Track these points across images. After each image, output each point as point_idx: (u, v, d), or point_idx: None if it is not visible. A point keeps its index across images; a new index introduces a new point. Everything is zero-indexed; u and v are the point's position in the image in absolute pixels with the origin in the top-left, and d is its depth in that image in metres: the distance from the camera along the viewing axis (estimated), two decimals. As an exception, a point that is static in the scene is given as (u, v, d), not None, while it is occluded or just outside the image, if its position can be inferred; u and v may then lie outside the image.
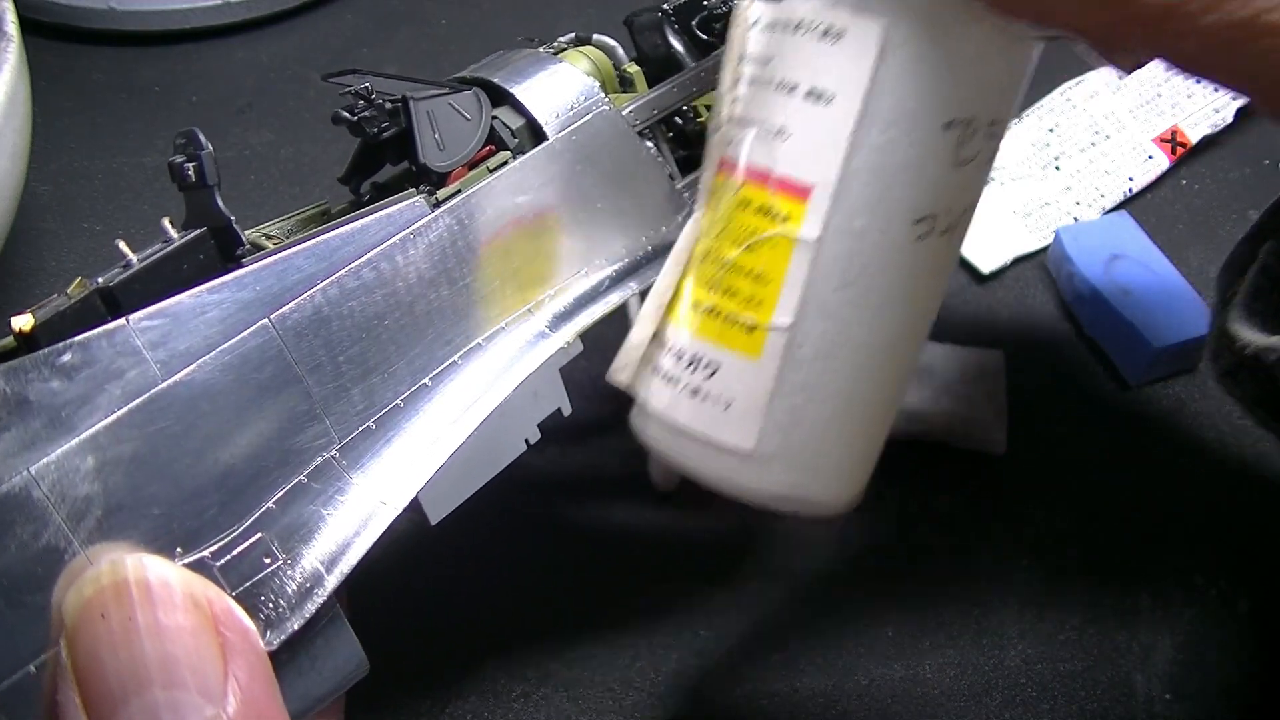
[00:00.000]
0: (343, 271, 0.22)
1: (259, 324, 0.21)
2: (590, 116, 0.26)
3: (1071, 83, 0.49)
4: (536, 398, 0.25)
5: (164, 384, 0.20)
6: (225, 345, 0.21)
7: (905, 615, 0.35)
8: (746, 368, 0.22)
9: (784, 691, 0.34)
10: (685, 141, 0.30)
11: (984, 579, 0.36)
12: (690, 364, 0.23)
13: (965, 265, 0.44)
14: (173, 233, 0.22)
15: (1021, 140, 0.48)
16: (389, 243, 0.23)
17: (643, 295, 0.26)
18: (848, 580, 0.36)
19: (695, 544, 0.37)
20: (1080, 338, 0.43)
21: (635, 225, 0.27)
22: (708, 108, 0.30)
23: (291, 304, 0.22)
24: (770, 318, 0.22)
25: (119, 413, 0.20)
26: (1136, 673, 0.34)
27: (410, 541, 0.36)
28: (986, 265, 0.44)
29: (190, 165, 0.23)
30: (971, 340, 0.42)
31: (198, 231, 0.23)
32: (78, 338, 0.20)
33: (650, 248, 0.27)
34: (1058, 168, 0.47)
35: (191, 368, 0.21)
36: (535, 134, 0.26)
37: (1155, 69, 0.49)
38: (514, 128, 0.26)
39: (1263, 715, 0.34)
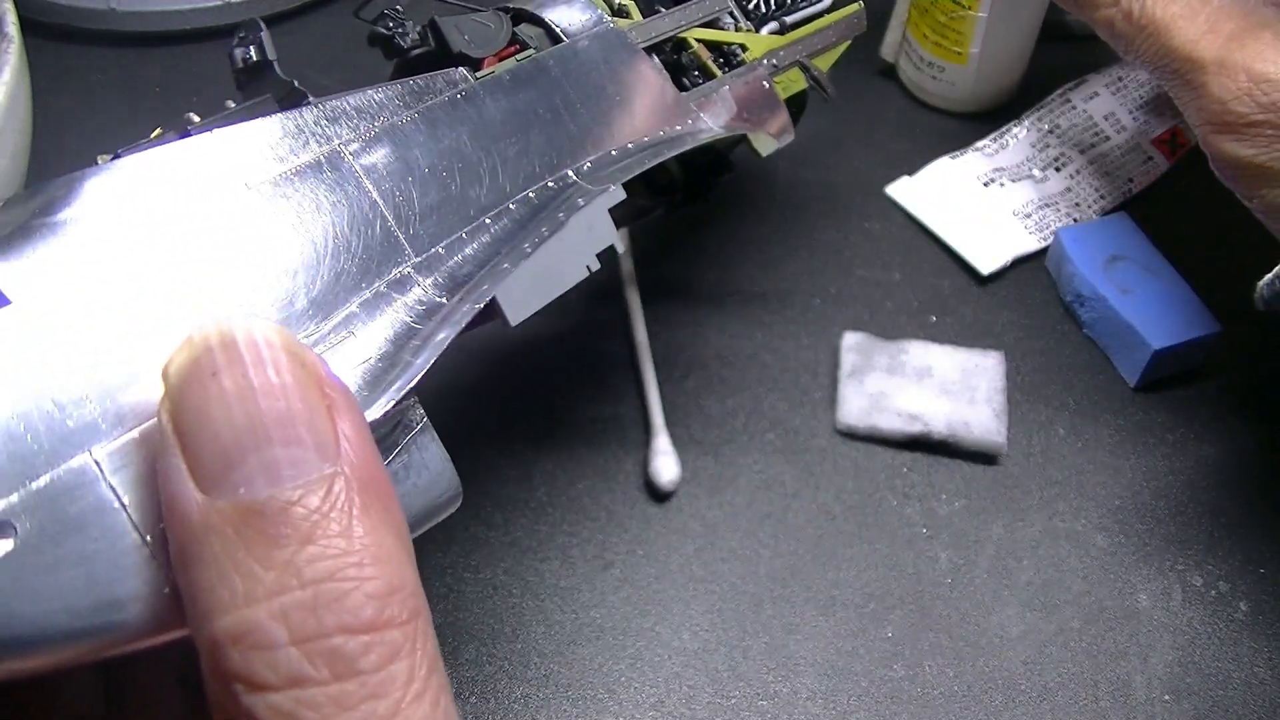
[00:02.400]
0: (407, 115, 0.25)
1: (334, 147, 0.23)
2: (599, 29, 0.30)
3: (1071, 84, 0.49)
4: (590, 231, 0.28)
5: (250, 187, 0.22)
6: (301, 162, 0.23)
7: (905, 615, 0.35)
8: (960, 68, 0.49)
9: (784, 692, 0.34)
10: (678, 69, 0.33)
11: (984, 579, 0.36)
12: (930, 64, 0.50)
13: (965, 266, 0.44)
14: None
15: (1021, 142, 0.48)
16: (442, 98, 0.26)
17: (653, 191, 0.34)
18: (847, 580, 0.36)
19: (693, 545, 0.37)
20: (1080, 338, 0.43)
21: (649, 120, 0.30)
22: (699, 40, 0.34)
23: (368, 134, 0.24)
24: (968, 49, 0.48)
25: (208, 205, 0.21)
26: (1136, 673, 0.34)
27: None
28: (986, 266, 0.44)
29: (251, 46, 0.25)
30: (971, 340, 0.42)
31: (262, 97, 0.24)
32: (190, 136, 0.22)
33: (670, 137, 0.30)
34: (1058, 169, 0.47)
35: (272, 178, 0.22)
36: (554, 41, 0.30)
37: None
38: (534, 35, 0.30)
39: (1262, 715, 0.34)
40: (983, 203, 0.46)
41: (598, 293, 0.43)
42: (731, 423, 0.40)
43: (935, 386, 0.39)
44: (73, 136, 0.49)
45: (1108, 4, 0.38)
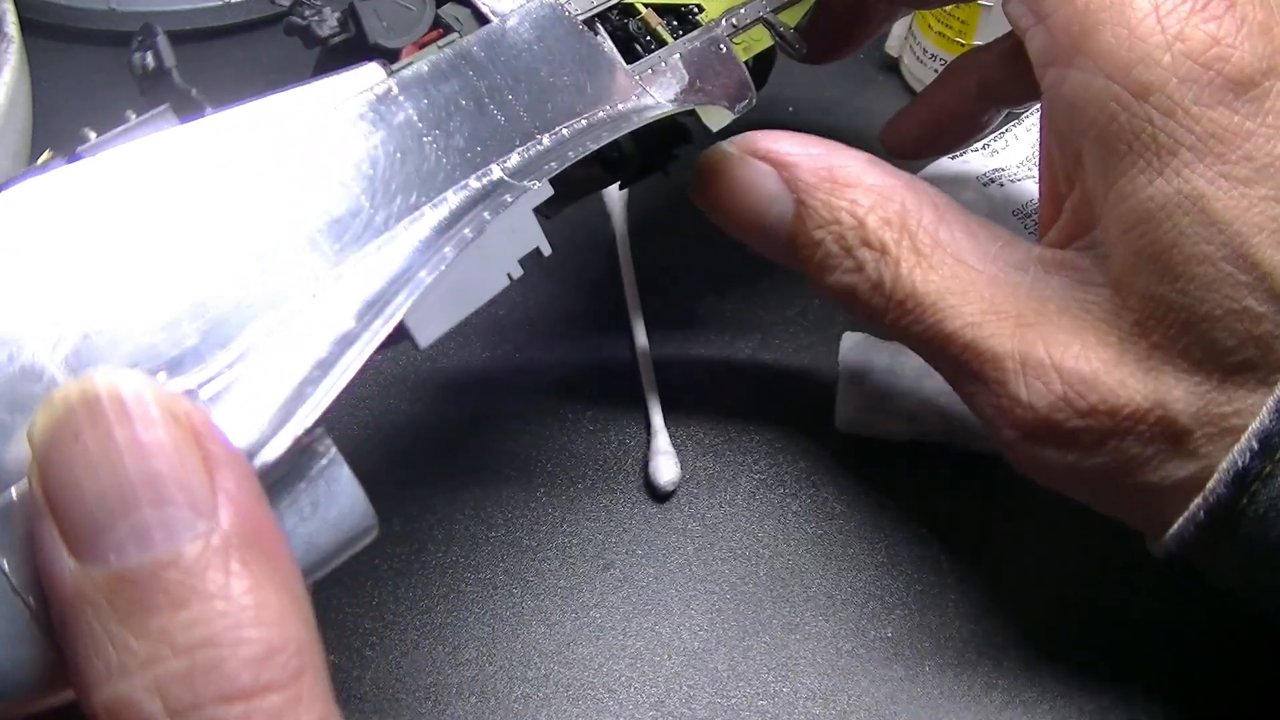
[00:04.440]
0: (313, 123, 0.23)
1: (231, 164, 0.22)
2: (530, 5, 0.28)
3: (1071, 83, 0.49)
4: (513, 233, 0.26)
5: (141, 213, 0.21)
6: (195, 182, 0.22)
7: (905, 615, 0.35)
8: None
9: (784, 692, 0.34)
10: (627, 37, 0.31)
11: (984, 580, 0.36)
12: (933, 56, 0.49)
13: (965, 266, 0.44)
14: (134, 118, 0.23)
15: (1021, 142, 0.48)
16: (352, 101, 0.24)
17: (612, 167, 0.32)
18: (847, 581, 0.36)
19: (693, 545, 0.37)
20: (1080, 338, 0.43)
21: (587, 101, 0.28)
22: (646, 5, 0.32)
23: (269, 147, 0.23)
24: (971, 41, 0.47)
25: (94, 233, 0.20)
26: (1136, 673, 0.34)
27: (408, 552, 0.36)
28: (986, 266, 0.44)
29: (149, 52, 0.23)
30: (971, 341, 0.42)
31: (159, 108, 0.23)
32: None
33: (611, 117, 0.29)
34: (1057, 168, 0.47)
35: (165, 200, 0.21)
36: (482, 22, 0.28)
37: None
38: (461, 18, 0.28)
39: (1263, 716, 0.34)
40: (983, 203, 0.46)
41: (597, 293, 0.43)
42: (731, 423, 0.40)
43: (935, 387, 0.39)
44: (72, 137, 0.49)
45: (847, 268, 0.30)
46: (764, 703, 0.34)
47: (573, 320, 0.42)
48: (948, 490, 0.38)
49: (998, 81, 0.38)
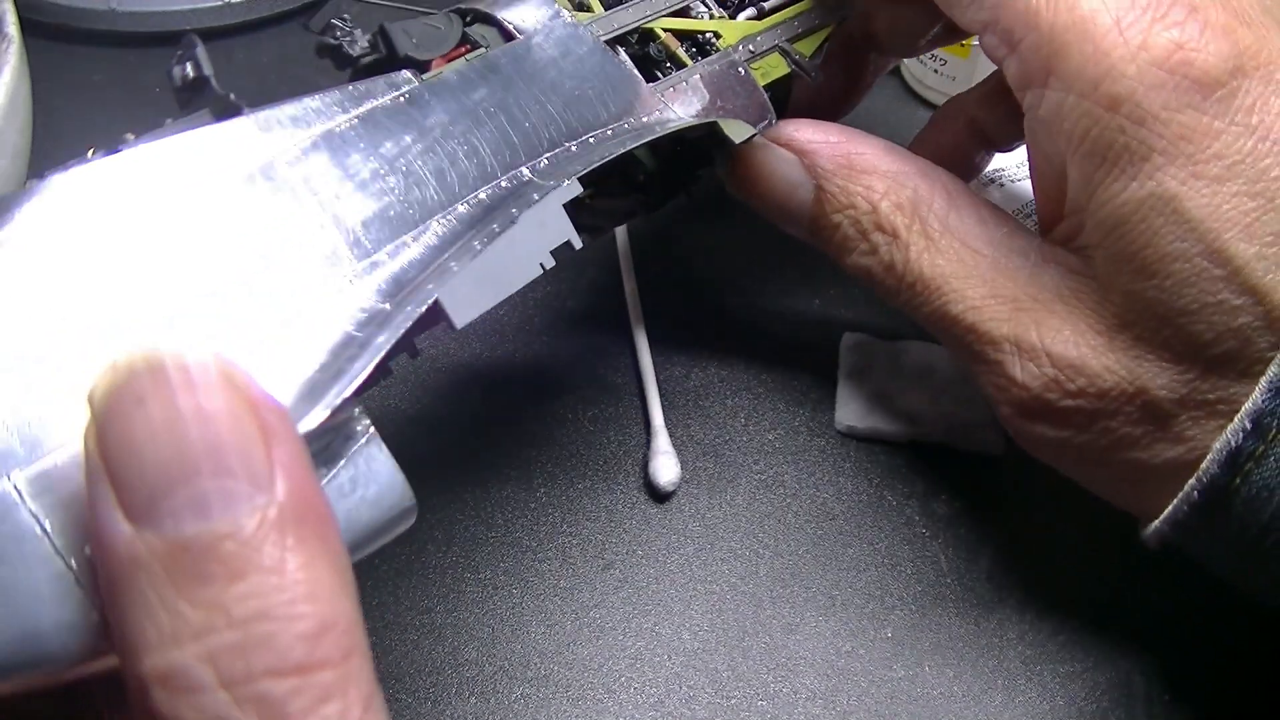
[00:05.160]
0: (345, 120, 0.25)
1: (268, 158, 0.23)
2: (555, 24, 0.29)
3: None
4: (544, 227, 0.27)
5: (180, 203, 0.22)
6: (233, 175, 0.22)
7: (905, 615, 0.35)
8: (962, 61, 0.50)
9: (784, 692, 0.34)
10: (647, 61, 0.32)
11: (984, 579, 0.36)
12: (933, 56, 0.50)
13: (965, 266, 0.44)
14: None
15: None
16: (383, 102, 0.25)
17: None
18: (847, 580, 0.36)
19: (693, 545, 0.37)
20: (1080, 338, 0.43)
21: (610, 113, 0.29)
22: (667, 30, 0.33)
23: (304, 142, 0.24)
24: (971, 41, 0.48)
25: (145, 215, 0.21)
26: (1136, 673, 0.34)
27: (408, 552, 0.36)
28: (986, 266, 0.44)
29: (188, 63, 0.24)
30: (971, 341, 0.42)
31: (198, 112, 0.24)
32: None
33: (635, 129, 0.30)
34: (1057, 168, 0.47)
35: (204, 192, 0.22)
36: (507, 39, 0.29)
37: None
38: (487, 36, 0.29)
39: (1263, 716, 0.34)
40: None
41: (597, 293, 0.43)
42: (731, 423, 0.40)
43: (935, 387, 0.39)
44: (73, 137, 0.49)
45: (862, 250, 0.33)
46: (764, 703, 0.34)
47: (573, 320, 0.42)
48: (948, 490, 0.38)
49: (986, 123, 0.39)
